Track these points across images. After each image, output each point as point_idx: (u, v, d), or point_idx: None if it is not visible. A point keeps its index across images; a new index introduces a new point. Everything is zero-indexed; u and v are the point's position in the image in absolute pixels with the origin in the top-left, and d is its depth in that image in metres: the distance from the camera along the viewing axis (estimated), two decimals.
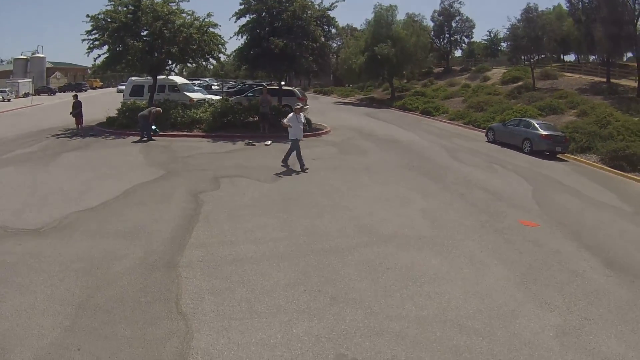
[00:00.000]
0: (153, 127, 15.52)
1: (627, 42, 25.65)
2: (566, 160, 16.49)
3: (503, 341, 4.38)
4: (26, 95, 43.06)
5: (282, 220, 7.49)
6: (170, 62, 18.53)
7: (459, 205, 9.08)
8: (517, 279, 5.83)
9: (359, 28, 53.16)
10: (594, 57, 39.42)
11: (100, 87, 63.63)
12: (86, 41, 16.74)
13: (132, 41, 16.11)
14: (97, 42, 16.63)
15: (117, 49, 16.69)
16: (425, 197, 9.43)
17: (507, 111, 23.50)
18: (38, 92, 48.18)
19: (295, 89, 23.64)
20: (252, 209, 7.98)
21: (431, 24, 47.49)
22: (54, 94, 49.42)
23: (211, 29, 17.94)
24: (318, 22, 17.84)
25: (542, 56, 33.40)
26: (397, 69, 36.43)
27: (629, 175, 14.40)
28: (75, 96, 17.71)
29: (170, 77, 20.86)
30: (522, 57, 33.32)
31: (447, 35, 48.29)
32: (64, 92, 50.15)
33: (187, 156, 12.50)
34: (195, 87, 25.21)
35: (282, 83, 20.97)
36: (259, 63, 18.10)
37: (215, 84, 43.04)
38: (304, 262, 5.90)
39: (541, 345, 4.36)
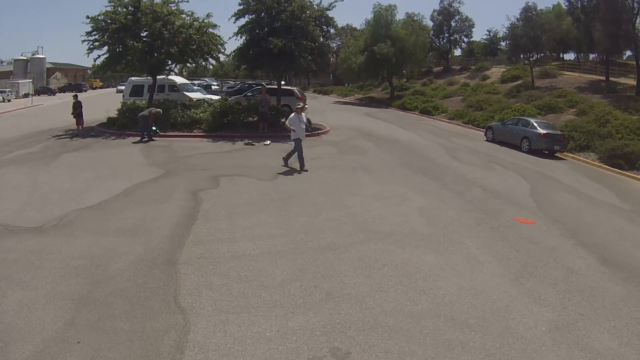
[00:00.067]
0: (153, 128, 15.60)
1: (625, 40, 25.70)
2: (565, 159, 16.55)
3: (496, 335, 4.44)
4: (26, 95, 43.20)
5: (280, 218, 7.57)
6: (169, 62, 18.63)
7: (457, 203, 9.14)
8: (511, 275, 5.88)
9: (358, 28, 53.39)
10: (593, 55, 39.46)
11: (100, 88, 63.82)
12: (86, 42, 16.88)
13: (131, 42, 16.21)
14: (97, 43, 16.73)
15: (117, 49, 16.77)
16: (424, 196, 9.49)
17: (506, 110, 23.56)
18: (38, 92, 48.33)
19: (294, 89, 23.67)
20: (250, 207, 8.06)
21: (431, 24, 47.77)
22: (54, 94, 49.58)
23: (210, 30, 18.05)
24: (317, 22, 17.97)
25: (542, 55, 33.34)
26: (397, 68, 36.53)
27: (627, 173, 14.46)
28: (76, 96, 17.80)
29: (169, 77, 20.94)
30: (522, 56, 33.31)
31: (446, 34, 48.37)
32: (64, 92, 50.31)
33: (187, 156, 12.58)
34: (195, 87, 25.28)
35: (282, 82, 21.04)
36: (258, 63, 18.21)
37: (215, 83, 43.19)
38: (301, 259, 5.98)
39: (534, 339, 4.41)
